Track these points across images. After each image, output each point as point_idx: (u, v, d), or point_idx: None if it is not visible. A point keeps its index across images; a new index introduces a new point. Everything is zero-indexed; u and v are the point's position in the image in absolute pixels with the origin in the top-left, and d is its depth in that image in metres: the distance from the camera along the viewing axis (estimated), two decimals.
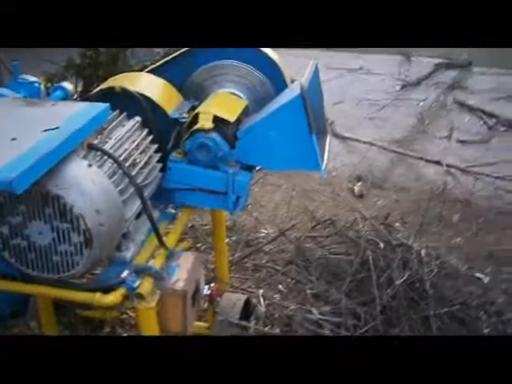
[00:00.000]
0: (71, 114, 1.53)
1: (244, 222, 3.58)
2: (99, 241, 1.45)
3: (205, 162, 1.84)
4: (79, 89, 3.32)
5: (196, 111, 1.84)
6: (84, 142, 1.54)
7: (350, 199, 3.86)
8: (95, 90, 1.93)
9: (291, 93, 1.81)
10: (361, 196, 4.19)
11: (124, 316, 2.56)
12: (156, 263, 1.68)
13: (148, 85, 1.97)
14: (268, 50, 2.08)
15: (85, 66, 3.23)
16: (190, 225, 3.32)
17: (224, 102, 2.00)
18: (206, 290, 1.85)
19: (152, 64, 2.16)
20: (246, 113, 2.04)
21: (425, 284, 2.54)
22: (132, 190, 1.62)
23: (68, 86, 1.93)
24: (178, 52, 2.08)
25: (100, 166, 1.54)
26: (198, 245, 3.27)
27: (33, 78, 1.91)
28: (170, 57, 2.10)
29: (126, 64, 3.02)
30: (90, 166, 1.48)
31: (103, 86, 1.94)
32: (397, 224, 3.34)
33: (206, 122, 1.80)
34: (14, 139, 1.39)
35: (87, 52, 3.24)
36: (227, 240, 3.32)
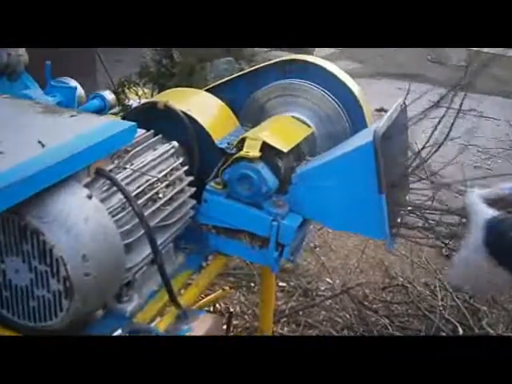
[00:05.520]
0: (85, 129, 1.27)
1: (308, 266, 3.20)
2: (82, 293, 1.15)
3: (246, 197, 1.51)
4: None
5: (244, 135, 1.52)
6: (92, 166, 1.26)
7: (433, 259, 3.35)
8: (139, 104, 1.67)
9: (363, 138, 1.43)
10: (448, 256, 3.67)
11: None
12: (160, 325, 1.37)
13: (199, 104, 1.68)
14: (346, 78, 1.73)
15: (159, 74, 3.03)
16: None
17: (282, 128, 1.67)
18: None
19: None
20: (310, 145, 1.70)
21: None
22: (143, 231, 1.32)
23: (108, 95, 1.69)
24: (242, 72, 1.79)
25: (105, 199, 1.25)
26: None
27: (73, 83, 1.68)
28: (233, 76, 1.80)
29: (203, 77, 2.78)
30: (89, 197, 1.19)
31: (149, 99, 1.68)
32: (484, 307, 2.77)
33: (251, 150, 1.47)
34: (0, 153, 1.14)
35: (163, 60, 3.04)
36: (284, 284, 2.97)
